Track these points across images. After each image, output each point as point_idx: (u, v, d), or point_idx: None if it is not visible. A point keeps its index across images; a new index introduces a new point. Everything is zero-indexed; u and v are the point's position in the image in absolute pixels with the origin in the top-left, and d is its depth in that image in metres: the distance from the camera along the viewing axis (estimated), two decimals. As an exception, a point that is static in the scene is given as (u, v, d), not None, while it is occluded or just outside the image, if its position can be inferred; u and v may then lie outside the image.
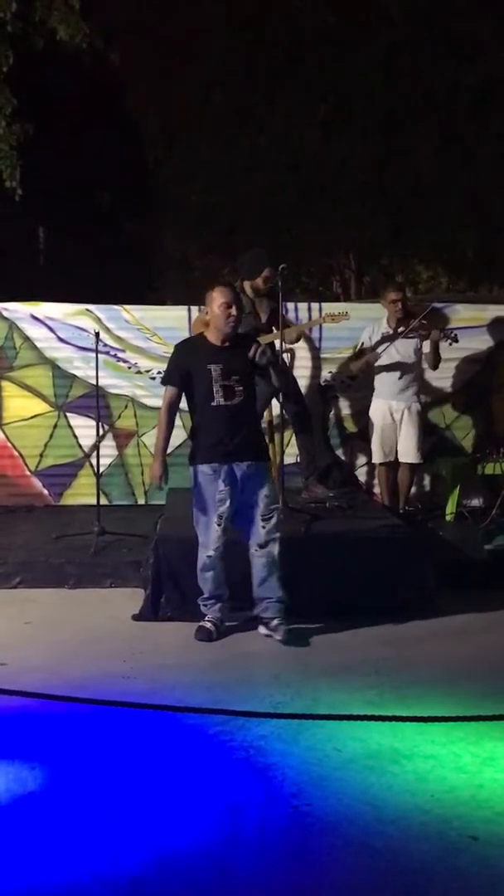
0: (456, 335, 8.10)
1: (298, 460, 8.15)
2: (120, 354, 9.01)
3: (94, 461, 8.26)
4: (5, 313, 8.98)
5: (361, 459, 9.12)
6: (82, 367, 8.93)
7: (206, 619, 5.78)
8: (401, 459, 8.31)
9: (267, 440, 7.01)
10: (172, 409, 5.89)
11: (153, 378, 8.96)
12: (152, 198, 18.17)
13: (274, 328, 7.54)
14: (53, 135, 14.57)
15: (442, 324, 8.71)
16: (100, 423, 8.19)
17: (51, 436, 9.02)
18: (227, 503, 5.72)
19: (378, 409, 8.30)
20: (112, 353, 8.96)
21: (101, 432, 8.23)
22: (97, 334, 8.02)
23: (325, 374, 9.09)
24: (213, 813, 3.50)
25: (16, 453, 9.02)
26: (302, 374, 8.85)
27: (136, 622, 6.05)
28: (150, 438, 8.95)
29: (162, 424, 5.90)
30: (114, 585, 6.83)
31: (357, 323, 8.43)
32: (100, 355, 8.07)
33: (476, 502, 8.53)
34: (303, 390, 8.42)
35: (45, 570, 6.91)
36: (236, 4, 14.77)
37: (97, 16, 10.83)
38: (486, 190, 14.38)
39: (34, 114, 10.96)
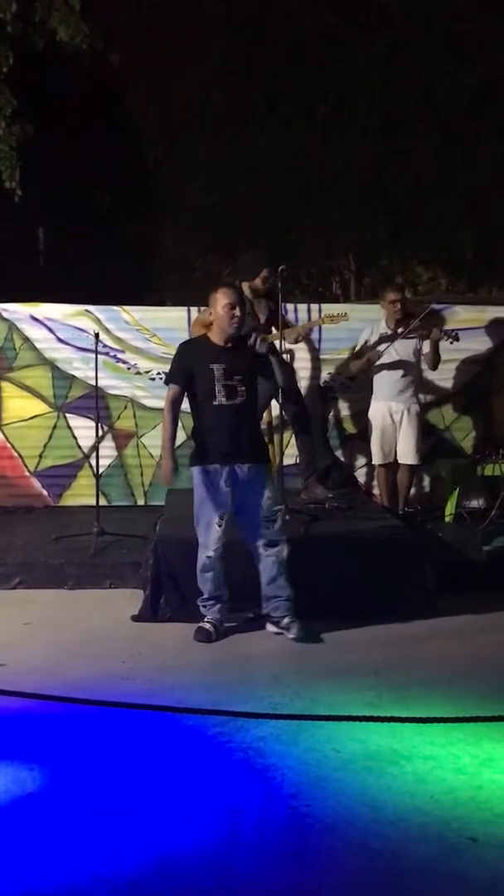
0: (457, 334, 8.10)
1: (298, 461, 8.16)
2: (119, 355, 9.01)
3: (93, 462, 8.26)
4: (5, 314, 8.98)
5: (361, 460, 9.12)
6: (82, 368, 8.93)
7: (206, 620, 5.78)
8: (400, 461, 8.31)
9: (266, 441, 7.02)
10: (175, 406, 5.91)
11: (153, 379, 8.97)
12: (152, 198, 18.15)
13: (273, 329, 7.54)
14: (53, 135, 14.56)
15: (440, 324, 8.71)
16: (99, 424, 8.19)
17: (50, 436, 9.03)
18: (228, 504, 5.73)
19: (377, 411, 8.30)
20: (111, 353, 8.96)
21: (100, 433, 8.24)
22: (97, 335, 8.03)
23: (325, 375, 9.09)
24: (212, 814, 3.50)
25: (15, 454, 9.02)
26: (301, 375, 8.85)
27: (136, 623, 6.05)
28: (150, 439, 8.99)
29: (166, 422, 5.91)
30: (113, 586, 6.84)
31: (356, 324, 8.43)
32: (99, 356, 8.07)
33: (476, 503, 8.55)
34: (302, 391, 8.42)
35: (45, 571, 6.91)
36: (236, 4, 14.77)
37: (97, 16, 10.82)
38: (486, 190, 14.37)
39: (34, 114, 10.95)
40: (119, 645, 5.59)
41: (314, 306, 9.31)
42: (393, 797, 3.63)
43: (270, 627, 5.85)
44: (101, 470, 8.17)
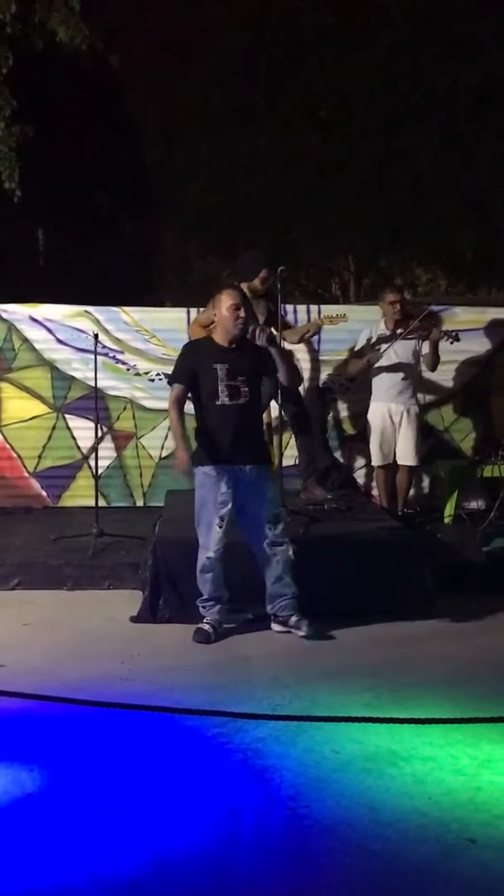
0: (457, 334, 8.10)
1: (297, 462, 8.16)
2: (119, 356, 9.01)
3: (92, 463, 8.26)
4: (4, 315, 8.98)
5: (360, 461, 9.12)
6: (81, 369, 8.93)
7: (205, 620, 5.78)
8: (399, 462, 8.31)
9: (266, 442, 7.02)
10: (180, 403, 5.92)
11: (152, 380, 8.98)
12: (152, 199, 18.15)
13: (273, 329, 7.53)
14: (53, 136, 14.55)
15: (439, 325, 8.70)
16: (98, 425, 8.19)
17: (49, 437, 9.02)
18: (229, 505, 5.73)
19: (377, 412, 8.30)
20: (111, 354, 8.96)
21: (99, 434, 8.24)
22: (96, 336, 8.02)
23: (324, 376, 9.09)
24: (210, 815, 3.50)
25: (14, 455, 9.02)
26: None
27: (135, 624, 6.05)
28: (149, 440, 9.01)
29: (174, 417, 5.92)
30: (112, 587, 6.83)
31: (355, 325, 8.44)
32: (98, 357, 8.07)
33: (475, 505, 8.55)
34: (301, 392, 8.42)
35: (44, 572, 6.91)
36: (236, 4, 14.78)
37: (97, 17, 10.82)
38: (486, 190, 14.38)
39: (34, 115, 10.96)
40: (118, 646, 5.59)
41: (313, 307, 9.31)
42: (391, 798, 3.63)
43: (276, 627, 5.86)
44: (100, 471, 8.16)
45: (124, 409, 9.04)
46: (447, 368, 8.89)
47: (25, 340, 8.98)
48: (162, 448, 9.01)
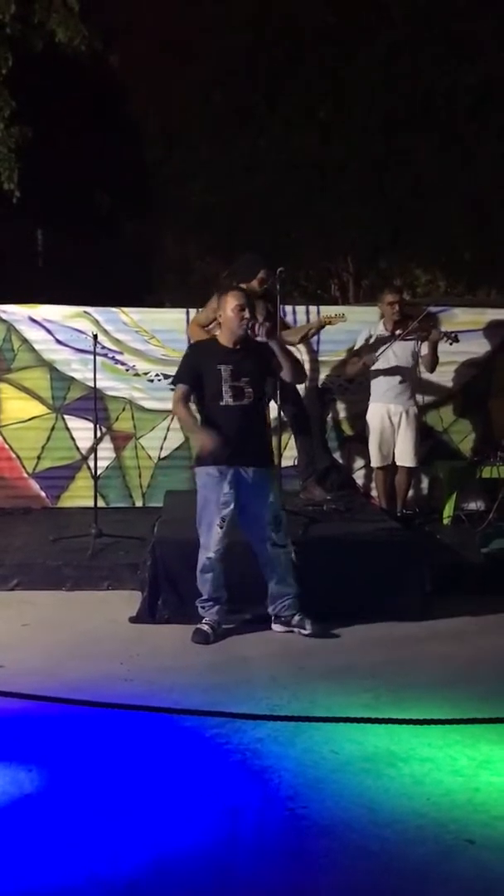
0: (456, 335, 8.10)
1: (296, 463, 8.16)
2: (118, 357, 9.00)
3: (91, 463, 8.26)
4: (3, 315, 8.97)
5: (359, 462, 9.12)
6: (80, 370, 8.93)
7: (204, 621, 5.78)
8: (398, 463, 8.31)
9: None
10: (185, 401, 5.92)
11: (151, 381, 8.98)
12: (151, 199, 18.15)
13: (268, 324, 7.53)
14: (52, 136, 14.56)
15: (438, 326, 8.71)
16: (97, 426, 8.19)
17: (48, 438, 9.02)
18: (231, 506, 5.74)
19: (376, 413, 8.30)
20: (110, 355, 8.95)
21: (98, 434, 8.24)
22: (95, 337, 8.02)
23: (323, 376, 9.09)
24: (209, 815, 3.50)
25: (13, 455, 9.02)
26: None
27: (134, 624, 6.05)
28: (148, 441, 9.01)
29: (183, 412, 5.94)
30: (111, 588, 6.83)
31: (355, 326, 8.45)
32: (98, 357, 8.07)
33: (474, 506, 8.55)
34: (301, 392, 8.42)
35: (43, 573, 6.91)
36: (236, 4, 14.78)
37: (96, 17, 10.82)
38: (486, 191, 14.39)
39: (33, 115, 10.95)
40: (117, 646, 5.59)
41: (312, 308, 9.31)
42: (390, 799, 3.64)
43: (277, 627, 5.87)
44: (99, 471, 8.16)
45: (123, 409, 9.04)
46: (446, 369, 8.89)
47: (25, 341, 8.98)
48: (161, 449, 9.02)
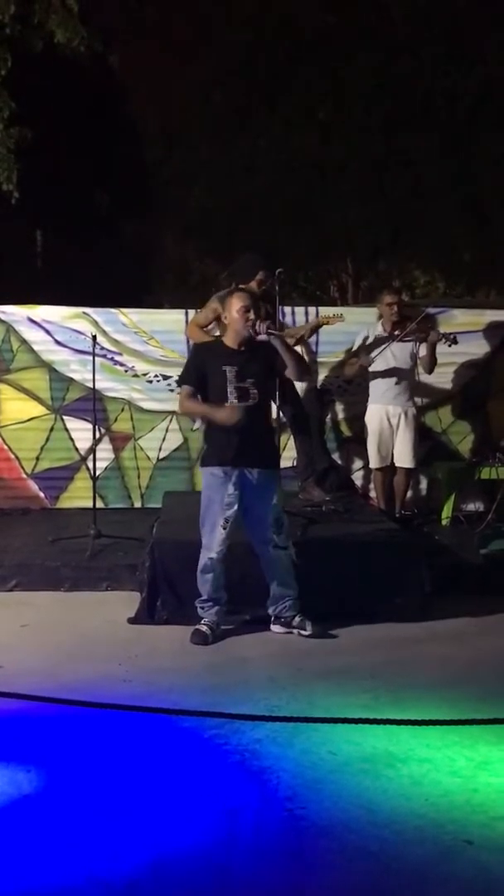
0: (455, 336, 8.09)
1: (295, 463, 8.16)
2: (117, 358, 9.00)
3: (90, 464, 8.25)
4: (2, 316, 8.97)
5: (358, 463, 9.12)
6: (79, 370, 8.92)
7: (202, 622, 5.78)
8: (397, 464, 8.31)
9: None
10: (192, 398, 5.93)
11: (150, 382, 8.98)
12: (151, 200, 18.17)
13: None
14: (52, 137, 14.56)
15: (437, 327, 8.71)
16: (96, 427, 8.19)
17: (47, 439, 9.02)
18: (235, 507, 5.74)
19: (374, 414, 8.30)
20: (109, 356, 8.95)
21: (97, 435, 8.24)
22: (94, 337, 8.01)
23: (322, 377, 9.09)
24: (208, 816, 3.50)
25: (12, 456, 9.01)
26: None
27: (132, 625, 6.05)
28: (147, 442, 9.01)
29: (190, 404, 5.95)
30: (110, 588, 6.83)
31: (353, 327, 8.45)
32: (97, 358, 8.06)
33: (472, 507, 8.55)
34: (299, 393, 8.42)
35: (41, 573, 6.91)
36: (236, 4, 14.80)
37: (96, 17, 10.82)
38: (486, 191, 14.40)
39: (33, 116, 10.96)
40: (115, 647, 5.59)
41: (311, 309, 9.31)
42: (389, 800, 3.64)
43: (277, 628, 5.87)
44: (98, 472, 8.15)
45: (122, 410, 9.04)
46: (445, 370, 8.89)
47: (24, 342, 8.98)
48: (160, 450, 9.02)
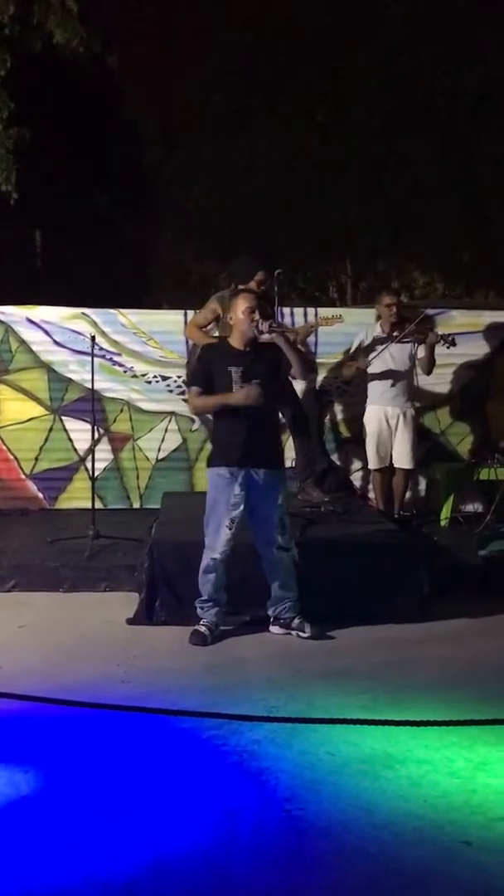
0: (453, 338, 8.08)
1: (294, 464, 8.16)
2: (116, 358, 9.00)
3: (89, 465, 8.25)
4: (1, 316, 8.96)
5: (356, 464, 9.12)
6: (78, 371, 8.92)
7: (201, 622, 5.78)
8: (396, 465, 8.31)
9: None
10: (201, 398, 5.95)
11: (149, 382, 8.99)
12: (150, 201, 18.16)
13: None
14: (51, 137, 14.56)
15: (435, 329, 8.70)
16: (95, 427, 8.19)
17: (46, 439, 9.01)
18: (241, 508, 5.75)
19: (373, 415, 8.30)
20: (108, 356, 8.95)
21: (96, 436, 8.24)
22: (93, 338, 8.00)
23: (321, 378, 9.08)
24: (207, 817, 3.50)
25: (11, 456, 9.01)
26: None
27: (131, 626, 6.05)
28: (146, 442, 9.01)
29: (202, 400, 5.94)
30: (108, 589, 6.83)
31: (352, 328, 8.46)
32: (96, 359, 8.04)
33: (471, 508, 8.55)
34: (298, 394, 8.41)
35: (40, 574, 6.90)
36: (236, 4, 14.80)
37: (96, 17, 10.82)
38: (486, 192, 14.40)
39: (32, 117, 10.95)
40: (114, 648, 5.59)
41: (310, 310, 9.31)
42: (387, 801, 3.63)
43: (276, 630, 5.87)
44: (96, 473, 8.14)
45: (121, 411, 9.04)
46: (444, 371, 8.90)
47: (22, 342, 8.97)
48: (158, 450, 9.02)
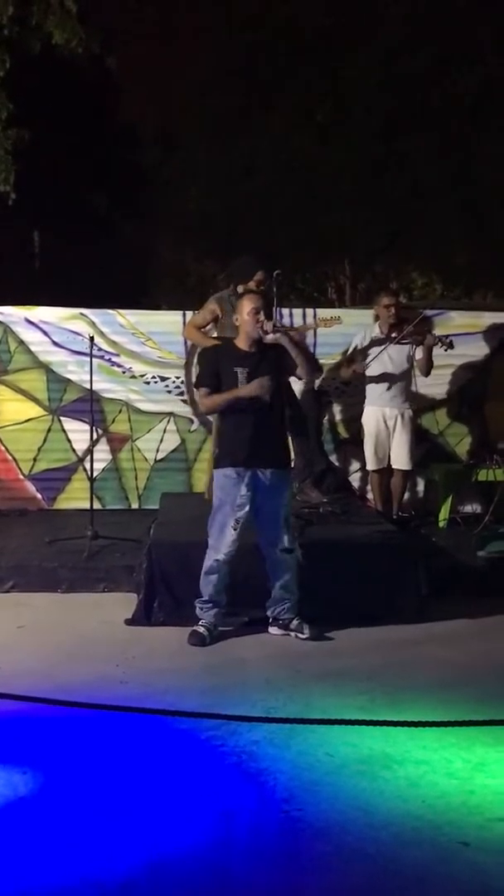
0: (451, 340, 8.08)
1: (293, 464, 8.15)
2: (114, 359, 9.00)
3: (87, 465, 8.25)
4: (0, 317, 8.97)
5: (354, 465, 9.12)
6: (76, 372, 8.91)
7: (200, 623, 5.78)
8: (394, 466, 8.31)
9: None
10: (210, 398, 5.95)
11: (147, 383, 8.98)
12: (149, 202, 18.16)
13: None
14: (49, 138, 14.55)
15: (433, 330, 8.70)
16: (94, 428, 8.18)
17: (44, 440, 9.00)
18: (246, 508, 5.75)
19: (371, 416, 8.30)
20: (106, 357, 8.94)
21: (94, 436, 8.23)
22: (91, 338, 8.00)
23: (319, 379, 9.07)
24: (205, 818, 3.50)
25: (9, 457, 9.00)
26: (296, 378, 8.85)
27: (130, 626, 6.05)
28: (144, 443, 9.01)
29: (211, 399, 5.91)
30: (107, 590, 6.83)
31: (351, 329, 8.46)
32: (94, 359, 8.04)
33: (470, 509, 8.55)
34: (297, 395, 8.41)
35: (39, 575, 6.90)
36: (236, 4, 14.80)
37: (95, 17, 10.81)
38: (485, 194, 14.40)
39: (31, 117, 10.95)
40: (113, 648, 5.59)
41: (309, 311, 9.30)
42: (385, 801, 3.64)
43: (274, 630, 5.88)
44: (95, 473, 8.15)
45: (120, 411, 9.03)
46: (443, 372, 8.90)
47: (21, 343, 8.97)
48: (157, 451, 9.01)
